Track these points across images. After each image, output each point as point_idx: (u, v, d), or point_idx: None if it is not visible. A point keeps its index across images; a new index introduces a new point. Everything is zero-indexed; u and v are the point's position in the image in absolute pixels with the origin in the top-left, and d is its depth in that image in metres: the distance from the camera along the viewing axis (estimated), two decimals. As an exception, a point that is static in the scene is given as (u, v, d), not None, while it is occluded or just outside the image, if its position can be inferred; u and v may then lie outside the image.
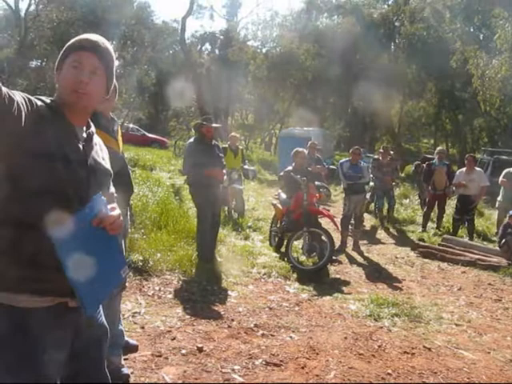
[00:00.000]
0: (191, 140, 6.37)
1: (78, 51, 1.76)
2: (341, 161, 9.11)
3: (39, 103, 1.66)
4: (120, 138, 3.26)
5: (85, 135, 1.81)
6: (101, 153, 1.91)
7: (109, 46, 1.85)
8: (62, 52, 1.80)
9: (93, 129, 1.88)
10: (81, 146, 1.77)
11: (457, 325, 4.96)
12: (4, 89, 1.45)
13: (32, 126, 1.57)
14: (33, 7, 28.61)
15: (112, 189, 2.01)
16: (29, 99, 1.60)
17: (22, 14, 27.24)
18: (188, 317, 4.48)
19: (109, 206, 1.75)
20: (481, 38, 25.67)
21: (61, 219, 1.61)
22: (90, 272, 1.69)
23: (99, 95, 1.84)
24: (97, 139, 1.91)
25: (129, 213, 3.45)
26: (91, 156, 1.81)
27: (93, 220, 1.67)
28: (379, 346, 4.17)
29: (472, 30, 26.34)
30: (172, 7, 78.56)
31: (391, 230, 10.46)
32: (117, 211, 1.79)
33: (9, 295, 1.65)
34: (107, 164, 1.93)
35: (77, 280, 1.65)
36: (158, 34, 36.02)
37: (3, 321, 1.65)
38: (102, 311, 1.94)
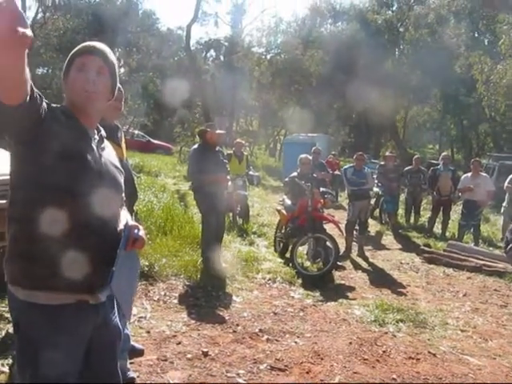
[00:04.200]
0: (195, 146, 6.38)
1: (82, 55, 1.84)
2: (345, 167, 9.12)
3: (53, 106, 1.73)
4: (124, 145, 3.28)
5: (97, 137, 1.88)
6: (112, 153, 1.99)
7: (110, 51, 1.93)
8: (67, 61, 1.86)
9: (103, 132, 1.94)
10: (94, 147, 1.83)
11: (462, 330, 4.95)
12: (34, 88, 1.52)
13: (49, 127, 1.65)
14: (40, 15, 28.81)
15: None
16: (46, 102, 1.68)
17: (30, 22, 27.43)
18: (193, 321, 4.49)
19: (135, 231, 1.89)
20: (485, 43, 25.69)
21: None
22: (126, 283, 1.91)
23: (106, 95, 1.90)
24: (107, 142, 1.98)
25: (133, 218, 3.47)
26: (104, 156, 1.88)
27: (127, 246, 1.85)
28: (384, 352, 4.17)
29: (476, 35, 26.37)
30: (177, 14, 79.07)
31: (395, 235, 10.43)
32: (142, 231, 1.92)
33: (31, 293, 1.72)
34: (118, 164, 2.00)
35: (116, 291, 1.84)
36: (163, 41, 36.21)
37: (27, 317, 1.74)
38: (117, 313, 1.99)
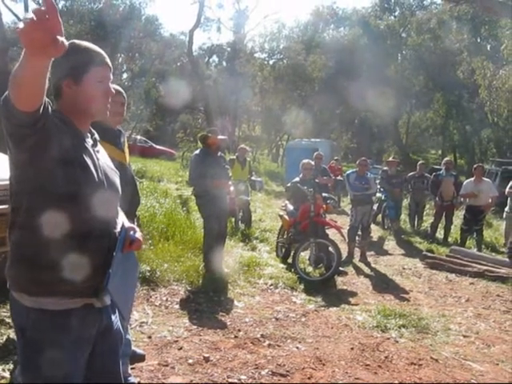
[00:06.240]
0: (197, 151, 6.39)
1: (101, 67, 1.84)
2: (347, 172, 9.11)
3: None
4: (127, 150, 3.29)
5: (91, 140, 1.88)
6: (105, 155, 1.99)
7: None
8: (78, 63, 1.78)
9: (96, 135, 1.94)
10: (91, 150, 1.83)
11: (465, 336, 4.93)
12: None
13: (51, 133, 1.63)
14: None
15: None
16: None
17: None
18: (195, 327, 4.49)
19: (131, 233, 1.89)
20: (488, 48, 25.72)
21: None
22: (124, 285, 1.90)
23: None
24: (99, 144, 1.97)
25: (136, 224, 3.47)
26: (100, 159, 1.88)
27: (124, 248, 1.85)
28: (386, 357, 4.15)
29: (479, 40, 26.41)
30: (180, 20, 79.28)
31: (398, 240, 10.41)
32: (138, 232, 1.93)
33: (38, 299, 1.71)
34: (113, 166, 1.99)
35: (114, 293, 1.80)
36: (165, 46, 36.22)
37: (34, 323, 1.72)
38: (118, 317, 1.99)
